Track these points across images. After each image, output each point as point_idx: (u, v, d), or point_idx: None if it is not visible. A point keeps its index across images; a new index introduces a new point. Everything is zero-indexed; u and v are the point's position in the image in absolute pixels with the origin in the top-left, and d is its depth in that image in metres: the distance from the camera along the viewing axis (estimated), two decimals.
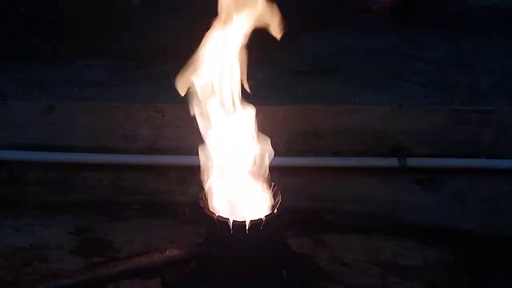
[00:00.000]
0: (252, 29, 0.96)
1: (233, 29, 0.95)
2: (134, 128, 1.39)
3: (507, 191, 1.41)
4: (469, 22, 2.58)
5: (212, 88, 0.98)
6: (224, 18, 0.95)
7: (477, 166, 1.38)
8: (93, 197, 1.45)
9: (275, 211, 0.96)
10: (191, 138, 1.35)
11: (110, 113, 1.38)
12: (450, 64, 1.75)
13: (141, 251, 1.14)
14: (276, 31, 0.96)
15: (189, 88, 0.97)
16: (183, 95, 0.97)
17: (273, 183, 1.02)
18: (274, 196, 1.00)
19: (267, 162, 0.99)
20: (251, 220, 0.91)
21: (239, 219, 0.92)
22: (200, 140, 1.00)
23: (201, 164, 1.00)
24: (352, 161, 1.37)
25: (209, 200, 0.98)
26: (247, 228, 0.91)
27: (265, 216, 0.93)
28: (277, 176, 1.03)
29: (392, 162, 1.36)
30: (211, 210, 0.96)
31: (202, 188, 1.00)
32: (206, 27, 0.96)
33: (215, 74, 0.97)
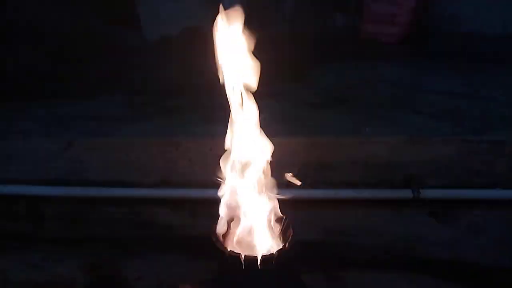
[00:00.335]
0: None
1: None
2: (148, 162, 1.42)
3: None
4: (478, 54, 2.60)
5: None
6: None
7: (492, 197, 1.36)
8: (107, 232, 1.47)
9: (286, 245, 0.95)
10: (204, 171, 1.38)
11: (126, 148, 1.42)
12: (460, 95, 1.76)
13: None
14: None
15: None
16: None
17: (284, 216, 1.02)
18: (286, 229, 1.00)
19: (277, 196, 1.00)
20: (262, 255, 0.91)
21: (251, 253, 0.92)
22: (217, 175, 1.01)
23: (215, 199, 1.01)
24: (365, 193, 1.37)
25: (221, 234, 0.99)
26: (259, 263, 0.90)
27: (277, 250, 0.93)
28: (289, 209, 1.03)
29: (406, 193, 1.35)
30: (223, 245, 0.96)
31: (215, 222, 1.01)
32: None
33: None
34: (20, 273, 1.28)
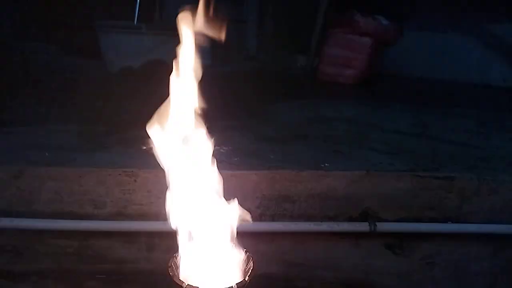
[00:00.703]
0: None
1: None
2: (104, 193, 1.37)
3: (474, 255, 1.44)
4: (428, 97, 2.80)
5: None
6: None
7: (444, 231, 1.42)
8: (56, 266, 1.38)
9: (246, 278, 0.94)
10: (163, 203, 1.35)
11: (80, 178, 1.36)
12: (411, 134, 1.87)
13: None
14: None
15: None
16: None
17: (244, 249, 1.01)
18: (246, 262, 0.98)
19: (236, 228, 0.99)
20: None
21: (209, 287, 0.90)
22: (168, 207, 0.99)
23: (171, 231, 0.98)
24: (324, 226, 1.38)
25: (178, 268, 0.96)
26: None
27: (236, 284, 0.90)
28: (249, 242, 1.02)
29: (363, 226, 1.38)
30: (179, 279, 0.93)
31: (171, 255, 0.97)
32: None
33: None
34: None
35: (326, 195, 1.39)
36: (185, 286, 0.90)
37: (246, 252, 1.00)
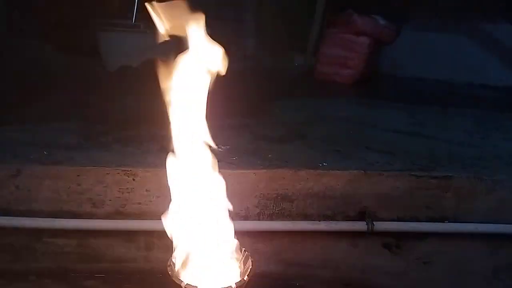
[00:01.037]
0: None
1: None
2: (102, 192, 1.37)
3: (471, 254, 1.45)
4: (425, 96, 2.81)
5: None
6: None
7: (442, 230, 1.42)
8: (54, 265, 1.38)
9: (245, 278, 0.94)
10: (161, 202, 1.35)
11: (79, 177, 1.36)
12: (408, 133, 1.88)
13: None
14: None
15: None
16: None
17: (243, 249, 1.01)
18: (245, 262, 0.99)
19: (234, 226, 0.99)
20: None
21: (208, 286, 0.90)
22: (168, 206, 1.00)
23: (169, 231, 0.99)
24: (322, 225, 1.39)
25: (177, 267, 0.96)
26: None
27: (236, 283, 0.91)
28: (248, 241, 1.03)
29: (361, 226, 1.38)
30: (179, 278, 0.93)
31: (170, 254, 0.98)
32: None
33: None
34: None
35: (324, 194, 1.40)
36: (184, 285, 0.90)
37: (244, 251, 1.01)
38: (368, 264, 1.43)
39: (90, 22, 2.71)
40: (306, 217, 1.40)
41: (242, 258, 1.00)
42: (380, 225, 1.38)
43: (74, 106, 1.84)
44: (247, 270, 0.96)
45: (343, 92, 2.86)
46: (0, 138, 1.58)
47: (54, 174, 1.36)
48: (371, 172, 1.42)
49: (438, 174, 1.41)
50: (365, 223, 1.38)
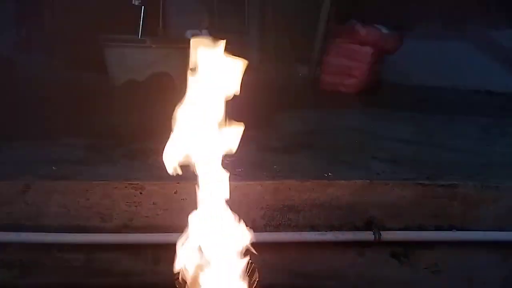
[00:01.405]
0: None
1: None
2: (110, 206, 1.38)
3: (481, 262, 1.43)
4: (429, 105, 2.81)
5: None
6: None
7: (449, 239, 1.41)
8: (63, 280, 1.38)
9: None
10: (168, 215, 1.36)
11: (87, 191, 1.38)
12: (414, 142, 1.87)
13: None
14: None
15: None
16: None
17: (250, 261, 1.01)
18: (251, 274, 0.99)
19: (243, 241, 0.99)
20: None
21: None
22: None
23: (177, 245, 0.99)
24: (329, 235, 1.39)
25: (185, 280, 0.96)
26: None
27: None
28: (254, 252, 1.02)
29: (367, 236, 1.38)
30: None
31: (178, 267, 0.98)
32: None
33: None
34: None
35: (330, 204, 1.40)
36: None
37: (251, 263, 1.01)
38: (375, 274, 1.42)
39: (96, 38, 2.76)
40: (312, 227, 1.40)
41: (249, 271, 1.00)
42: (387, 235, 1.38)
43: (81, 121, 1.86)
44: (254, 282, 0.96)
45: (348, 102, 2.87)
46: (9, 154, 1.60)
47: (63, 189, 1.38)
48: (377, 182, 1.41)
49: (444, 182, 1.41)
50: (372, 232, 1.37)
